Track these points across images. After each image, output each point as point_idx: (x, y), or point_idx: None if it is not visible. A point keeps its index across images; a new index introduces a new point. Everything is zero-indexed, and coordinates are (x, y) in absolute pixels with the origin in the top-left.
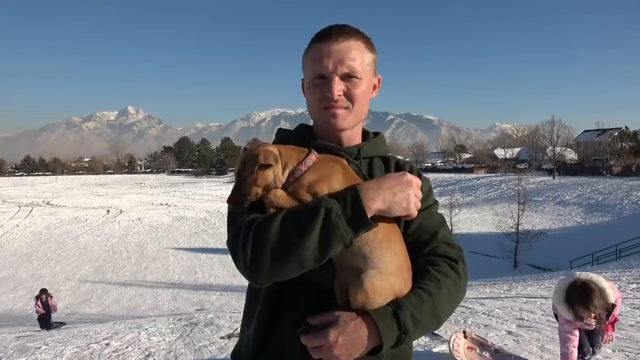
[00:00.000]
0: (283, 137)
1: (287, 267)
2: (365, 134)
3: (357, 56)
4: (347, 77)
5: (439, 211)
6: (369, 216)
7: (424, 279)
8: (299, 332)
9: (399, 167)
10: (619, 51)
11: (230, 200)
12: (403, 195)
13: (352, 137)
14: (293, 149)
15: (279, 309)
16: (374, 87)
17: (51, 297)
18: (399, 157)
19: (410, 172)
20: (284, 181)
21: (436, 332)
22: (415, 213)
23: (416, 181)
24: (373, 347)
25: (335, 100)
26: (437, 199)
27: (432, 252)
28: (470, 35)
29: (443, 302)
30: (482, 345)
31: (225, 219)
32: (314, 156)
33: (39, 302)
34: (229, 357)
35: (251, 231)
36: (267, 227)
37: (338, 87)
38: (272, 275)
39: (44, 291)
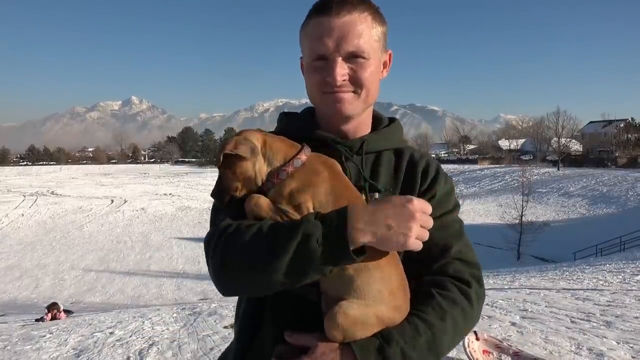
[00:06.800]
0: (284, 125)
1: (251, 286)
2: (377, 122)
3: (364, 31)
4: (353, 57)
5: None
6: (351, 249)
7: (426, 306)
8: (274, 356)
9: (413, 162)
10: (626, 42)
11: (212, 193)
12: (400, 229)
13: (359, 125)
14: (283, 142)
15: (260, 317)
16: (384, 64)
17: (60, 311)
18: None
19: (427, 166)
20: (264, 178)
21: None
22: (417, 247)
23: (425, 209)
24: None
25: (338, 86)
26: None
27: (441, 270)
28: (476, 25)
29: (446, 335)
30: (498, 347)
31: None
32: (304, 155)
33: (49, 315)
34: None
35: (222, 238)
36: (237, 239)
37: (341, 70)
38: (236, 290)
39: (53, 305)
